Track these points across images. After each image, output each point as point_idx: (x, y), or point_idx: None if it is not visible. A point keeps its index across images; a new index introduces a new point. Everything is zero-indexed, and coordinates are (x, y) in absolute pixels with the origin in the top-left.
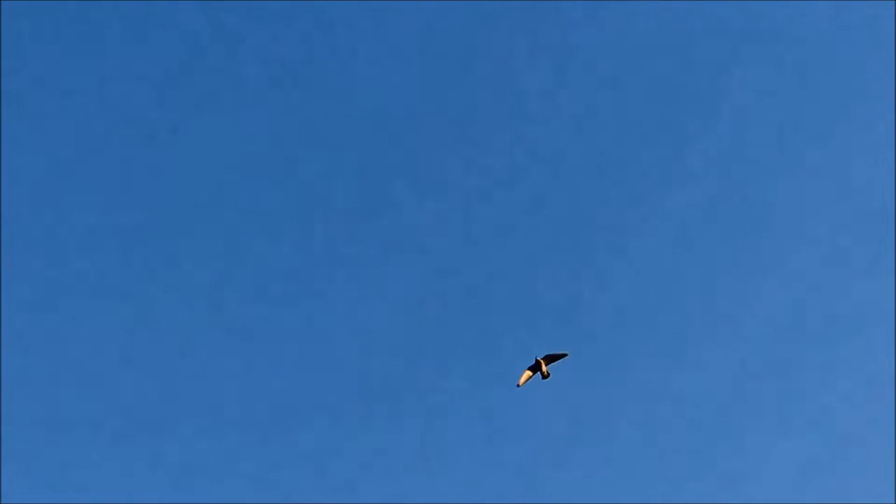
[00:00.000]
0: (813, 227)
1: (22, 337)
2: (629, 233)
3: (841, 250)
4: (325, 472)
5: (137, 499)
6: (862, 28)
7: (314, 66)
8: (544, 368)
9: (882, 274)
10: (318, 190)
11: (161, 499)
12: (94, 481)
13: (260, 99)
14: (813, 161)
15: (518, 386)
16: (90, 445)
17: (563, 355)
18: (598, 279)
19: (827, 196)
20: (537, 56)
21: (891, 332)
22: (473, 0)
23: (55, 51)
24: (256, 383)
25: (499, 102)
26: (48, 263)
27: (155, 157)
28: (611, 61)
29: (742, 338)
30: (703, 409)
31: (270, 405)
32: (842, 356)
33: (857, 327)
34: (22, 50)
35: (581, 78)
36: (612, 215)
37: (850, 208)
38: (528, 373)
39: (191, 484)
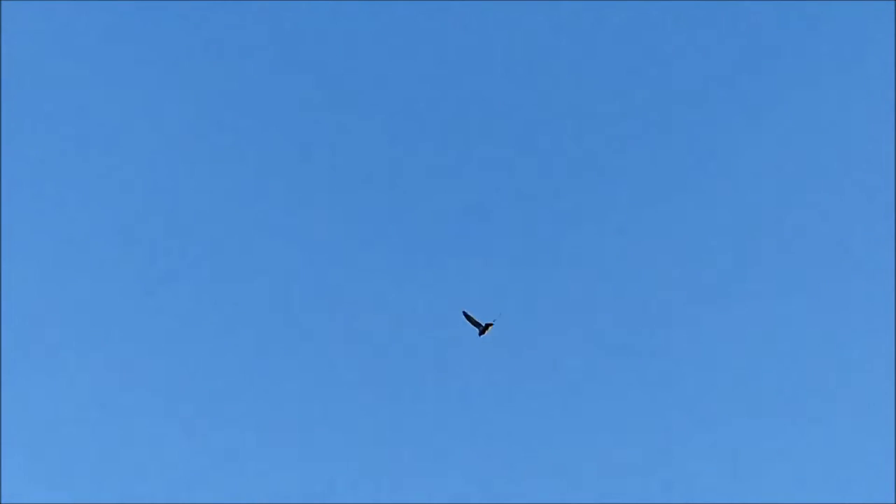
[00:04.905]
0: (808, 230)
1: (22, 336)
2: None
3: (840, 249)
4: None
5: (145, 498)
6: (862, 28)
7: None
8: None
9: (882, 272)
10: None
11: (165, 498)
12: (96, 481)
13: (267, 99)
14: (812, 160)
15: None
16: (92, 445)
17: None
18: None
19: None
20: None
21: (891, 330)
22: None
23: (56, 50)
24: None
25: None
26: (49, 263)
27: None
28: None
29: (739, 339)
30: (701, 414)
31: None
32: (841, 355)
33: (856, 326)
34: (22, 50)
35: None
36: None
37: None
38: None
39: (192, 484)
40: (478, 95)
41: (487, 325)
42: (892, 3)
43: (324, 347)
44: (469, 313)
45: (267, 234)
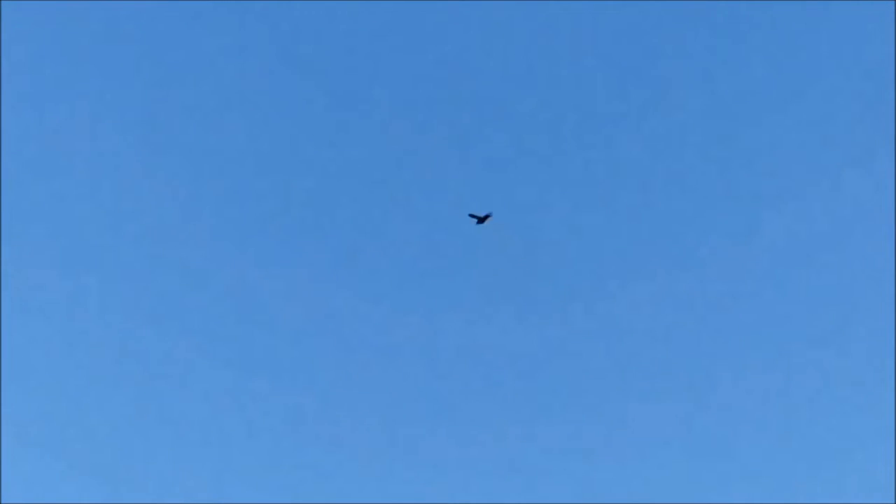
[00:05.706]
0: (807, 228)
1: (24, 336)
2: None
3: (840, 256)
4: None
5: (160, 498)
6: (862, 28)
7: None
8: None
9: (882, 274)
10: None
11: (167, 499)
12: (96, 482)
13: (267, 96)
14: (811, 163)
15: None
16: (93, 446)
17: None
18: None
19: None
20: None
21: (891, 331)
22: None
23: (56, 50)
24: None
25: None
26: (49, 261)
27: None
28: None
29: (741, 342)
30: (701, 420)
31: None
32: (842, 356)
33: (857, 329)
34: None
35: None
36: None
37: (850, 208)
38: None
39: (189, 483)
40: (477, 95)
41: (486, 216)
42: (892, 3)
43: (322, 352)
44: (474, 214)
45: (267, 229)
